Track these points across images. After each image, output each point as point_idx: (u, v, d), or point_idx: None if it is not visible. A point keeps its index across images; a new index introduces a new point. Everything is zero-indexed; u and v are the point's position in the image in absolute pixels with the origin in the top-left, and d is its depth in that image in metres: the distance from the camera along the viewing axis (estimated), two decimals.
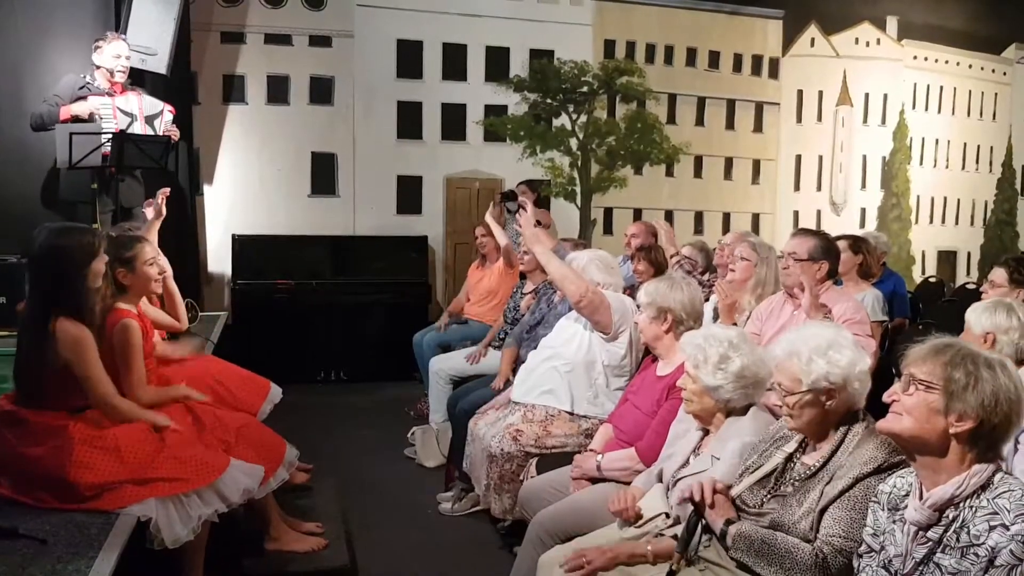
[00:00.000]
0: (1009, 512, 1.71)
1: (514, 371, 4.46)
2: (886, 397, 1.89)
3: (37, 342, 2.78)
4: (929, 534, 1.81)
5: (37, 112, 5.02)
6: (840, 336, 2.29)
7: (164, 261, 3.72)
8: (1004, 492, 1.75)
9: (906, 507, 1.88)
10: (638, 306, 3.55)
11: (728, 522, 2.25)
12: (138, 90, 5.30)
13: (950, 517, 1.79)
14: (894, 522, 1.90)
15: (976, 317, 3.08)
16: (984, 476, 1.77)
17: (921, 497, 1.83)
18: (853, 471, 2.12)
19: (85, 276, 2.86)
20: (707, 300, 4.29)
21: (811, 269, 3.66)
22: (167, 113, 5.33)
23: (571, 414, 3.78)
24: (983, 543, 1.72)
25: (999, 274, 4.14)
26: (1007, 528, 1.70)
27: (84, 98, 5.01)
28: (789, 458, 2.32)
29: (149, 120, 5.18)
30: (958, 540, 1.76)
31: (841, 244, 4.96)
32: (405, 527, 4.27)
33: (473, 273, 6.32)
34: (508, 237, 5.70)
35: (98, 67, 5.09)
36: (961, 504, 1.78)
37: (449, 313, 6.17)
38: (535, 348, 4.15)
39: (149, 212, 4.45)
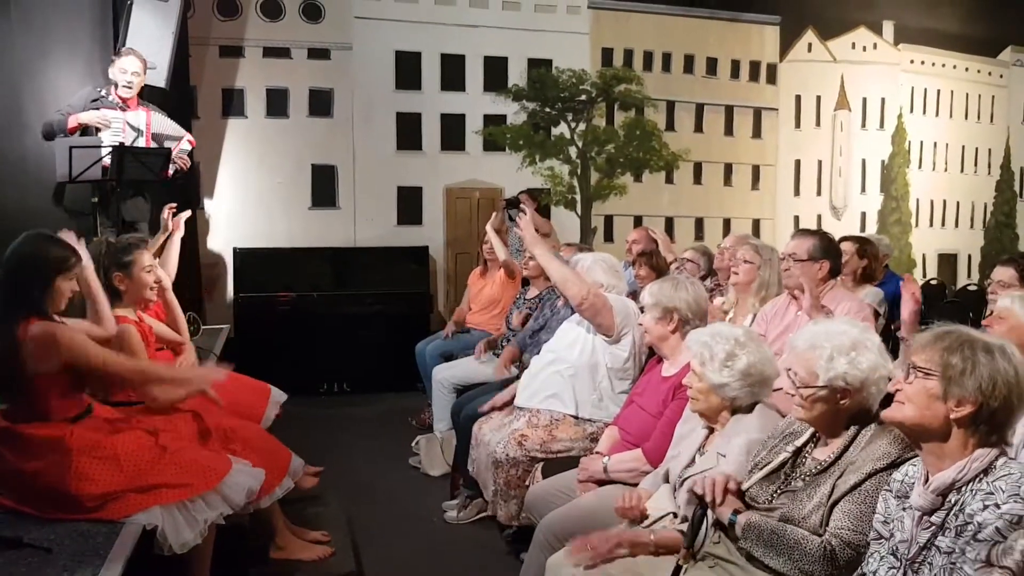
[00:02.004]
0: (1004, 492, 1.72)
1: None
2: (890, 387, 1.92)
3: (11, 350, 2.68)
4: (932, 518, 1.83)
5: (48, 121, 5.00)
6: (866, 337, 2.23)
7: (162, 272, 3.73)
8: (1004, 475, 1.75)
9: None
10: (641, 309, 3.53)
11: (736, 512, 2.23)
12: (151, 107, 5.25)
13: (952, 501, 1.80)
14: (903, 509, 1.91)
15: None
16: (986, 460, 1.78)
17: (926, 483, 1.84)
18: (866, 466, 2.10)
19: (51, 286, 2.77)
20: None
21: (811, 269, 3.63)
22: (186, 143, 5.28)
23: (576, 418, 3.76)
24: (974, 520, 1.73)
25: (1007, 273, 3.99)
26: (998, 507, 1.71)
27: (96, 109, 4.99)
28: (799, 452, 2.30)
29: (157, 138, 5.15)
30: (956, 521, 1.77)
31: (847, 245, 4.94)
32: (411, 535, 4.26)
33: (475, 281, 6.32)
34: (510, 245, 5.69)
35: (111, 81, 5.08)
36: (963, 488, 1.79)
37: (455, 322, 6.16)
38: (538, 353, 4.14)
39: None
